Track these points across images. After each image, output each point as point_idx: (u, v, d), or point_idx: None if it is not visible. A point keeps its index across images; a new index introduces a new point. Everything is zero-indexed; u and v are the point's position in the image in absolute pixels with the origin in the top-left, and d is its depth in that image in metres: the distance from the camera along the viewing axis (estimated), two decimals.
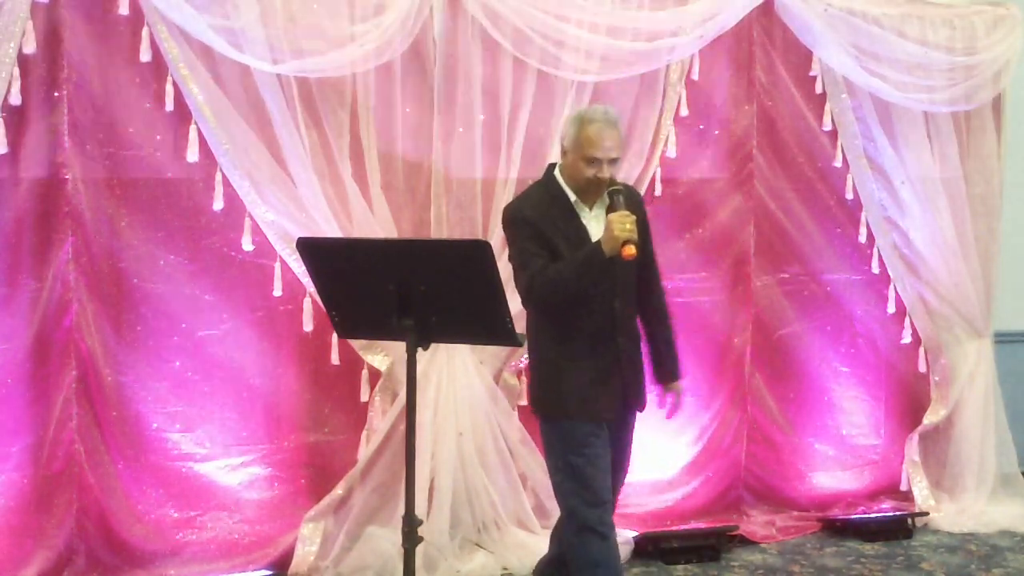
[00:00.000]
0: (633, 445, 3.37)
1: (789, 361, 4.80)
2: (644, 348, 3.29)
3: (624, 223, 2.83)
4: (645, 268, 3.20)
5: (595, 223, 3.07)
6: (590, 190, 3.05)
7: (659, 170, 4.46)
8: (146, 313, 3.80)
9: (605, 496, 3.08)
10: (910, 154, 4.83)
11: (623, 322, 3.11)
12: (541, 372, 3.19)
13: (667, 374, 3.35)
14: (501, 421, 4.18)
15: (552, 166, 3.19)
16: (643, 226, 3.08)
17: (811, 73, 4.72)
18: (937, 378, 5.02)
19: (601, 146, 2.95)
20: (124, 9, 3.66)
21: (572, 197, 3.06)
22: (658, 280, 3.33)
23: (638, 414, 3.31)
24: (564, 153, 3.09)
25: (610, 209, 2.93)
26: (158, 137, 3.77)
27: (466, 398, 4.09)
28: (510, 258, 3.16)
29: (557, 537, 3.37)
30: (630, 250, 2.82)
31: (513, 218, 3.09)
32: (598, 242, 2.90)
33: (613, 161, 3.01)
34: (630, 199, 3.05)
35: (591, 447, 3.07)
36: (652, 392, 3.36)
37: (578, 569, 3.11)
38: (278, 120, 3.81)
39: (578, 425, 3.07)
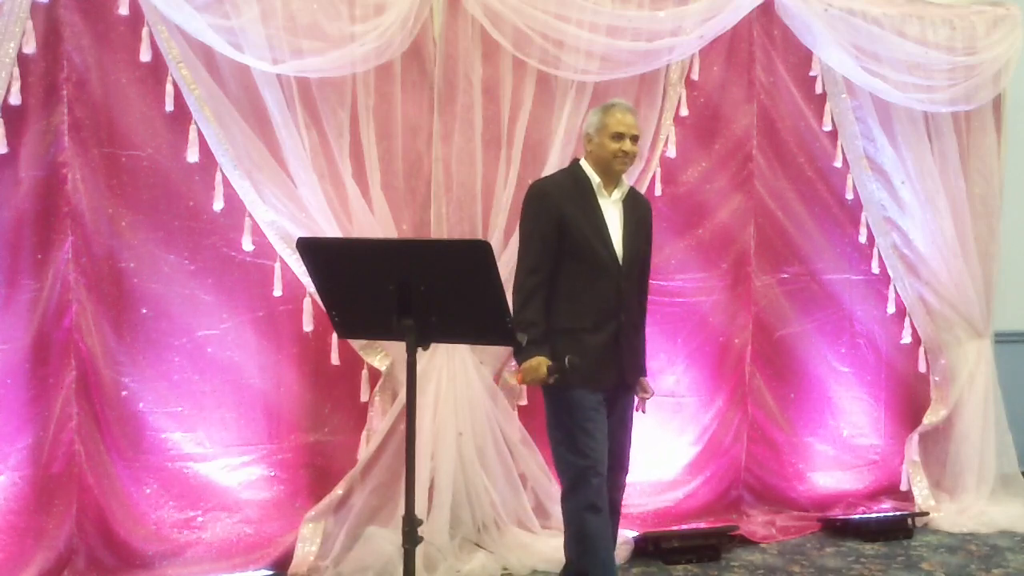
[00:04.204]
0: (632, 430, 3.49)
1: (789, 361, 4.81)
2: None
3: (535, 378, 3.17)
4: (643, 264, 3.50)
5: (612, 208, 3.37)
6: (614, 167, 3.37)
7: (659, 170, 4.47)
8: (146, 313, 3.80)
9: (602, 469, 3.26)
10: (910, 154, 4.84)
11: (627, 301, 3.34)
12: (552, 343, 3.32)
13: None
14: (501, 421, 4.18)
15: (576, 159, 3.47)
16: (646, 229, 3.48)
17: (811, 73, 4.73)
18: (937, 378, 5.02)
19: (624, 123, 3.38)
20: (124, 9, 3.67)
21: (596, 181, 3.36)
22: (646, 281, 3.55)
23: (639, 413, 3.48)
24: (589, 140, 3.41)
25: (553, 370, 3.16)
26: (158, 137, 3.78)
27: (466, 398, 4.08)
28: (520, 233, 3.39)
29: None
30: (520, 378, 3.22)
31: (534, 193, 3.38)
32: (529, 353, 3.15)
33: (635, 138, 3.40)
34: (636, 203, 3.45)
35: (592, 420, 3.25)
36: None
37: (576, 541, 3.27)
38: (278, 120, 3.81)
39: (584, 395, 3.24)
